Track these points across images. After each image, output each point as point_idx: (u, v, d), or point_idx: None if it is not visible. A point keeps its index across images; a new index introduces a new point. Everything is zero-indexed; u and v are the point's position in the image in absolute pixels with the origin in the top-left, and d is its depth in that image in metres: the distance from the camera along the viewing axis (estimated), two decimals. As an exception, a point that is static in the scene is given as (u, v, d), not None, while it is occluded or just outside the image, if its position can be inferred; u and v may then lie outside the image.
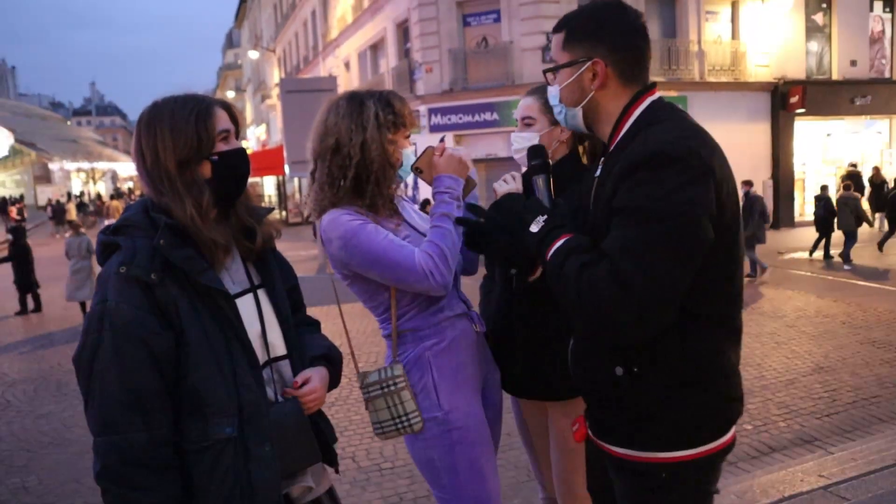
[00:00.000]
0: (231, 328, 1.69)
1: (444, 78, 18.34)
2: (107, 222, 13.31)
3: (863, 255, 13.13)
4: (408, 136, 2.20)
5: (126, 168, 72.44)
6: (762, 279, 11.28)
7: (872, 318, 8.39)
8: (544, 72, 1.81)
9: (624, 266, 1.46)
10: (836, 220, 13.01)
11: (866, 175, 18.27)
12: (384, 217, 2.13)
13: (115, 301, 1.58)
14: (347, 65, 26.09)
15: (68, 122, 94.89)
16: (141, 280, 1.59)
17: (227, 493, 1.63)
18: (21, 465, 5.14)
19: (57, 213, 31.00)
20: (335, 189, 2.08)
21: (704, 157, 1.52)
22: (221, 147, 1.74)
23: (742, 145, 16.93)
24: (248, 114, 49.33)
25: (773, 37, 19.14)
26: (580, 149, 2.40)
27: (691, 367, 1.61)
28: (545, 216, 1.70)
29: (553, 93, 1.79)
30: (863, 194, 15.85)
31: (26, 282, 11.80)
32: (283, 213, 30.27)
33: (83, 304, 10.85)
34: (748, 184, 11.95)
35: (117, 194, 45.39)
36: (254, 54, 42.01)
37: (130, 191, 55.21)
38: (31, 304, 11.89)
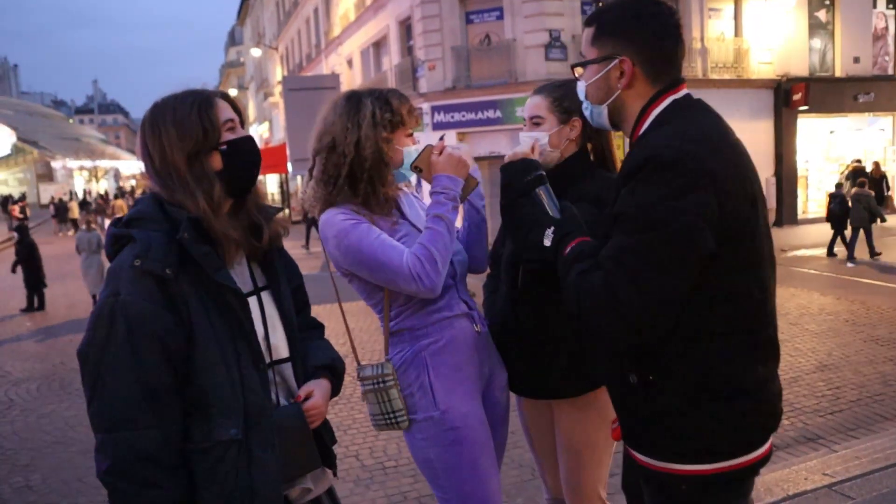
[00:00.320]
0: (240, 328, 1.67)
1: (447, 75, 18.31)
2: (106, 223, 13.40)
3: (865, 252, 13.09)
4: (410, 134, 2.19)
5: (129, 166, 72.45)
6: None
7: (876, 316, 8.37)
8: (572, 66, 1.76)
9: (615, 275, 1.45)
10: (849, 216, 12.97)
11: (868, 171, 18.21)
12: (380, 215, 2.13)
13: (129, 295, 1.55)
14: (350, 62, 26.06)
15: (71, 121, 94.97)
16: (156, 274, 1.56)
17: (227, 496, 1.61)
18: (25, 464, 5.16)
19: (60, 211, 31.04)
20: (331, 187, 2.10)
21: (702, 161, 1.46)
22: (228, 136, 1.72)
23: (745, 143, 16.43)
24: (251, 112, 49.31)
25: (776, 34, 19.08)
26: (588, 146, 2.39)
27: (702, 379, 1.56)
28: (552, 227, 1.70)
29: (580, 88, 1.76)
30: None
31: (35, 278, 11.83)
32: (287, 211, 30.27)
33: (96, 297, 11.15)
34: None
35: (120, 193, 45.43)
36: (256, 52, 41.97)
37: (133, 189, 55.28)
38: (36, 302, 11.92)
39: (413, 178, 2.25)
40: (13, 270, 12.02)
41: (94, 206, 28.84)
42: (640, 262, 1.45)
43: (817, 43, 19.95)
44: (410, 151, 2.14)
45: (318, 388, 1.86)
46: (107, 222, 22.04)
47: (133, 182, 69.30)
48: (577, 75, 1.76)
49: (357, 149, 2.06)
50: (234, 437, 1.62)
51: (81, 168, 55.54)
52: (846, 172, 18.18)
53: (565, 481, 2.42)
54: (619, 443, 1.88)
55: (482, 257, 2.33)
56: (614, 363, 1.69)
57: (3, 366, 8.29)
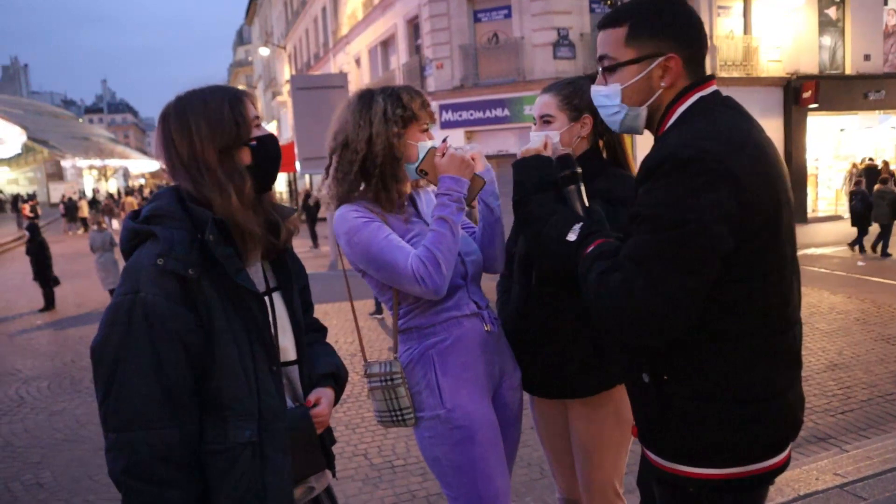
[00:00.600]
0: (256, 330, 1.66)
1: (455, 74, 18.31)
2: (114, 223, 13.52)
3: (876, 250, 13.02)
4: (425, 130, 2.18)
5: (137, 165, 72.74)
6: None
7: (887, 315, 8.31)
8: (604, 70, 1.66)
9: (632, 275, 1.44)
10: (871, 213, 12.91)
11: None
12: (394, 212, 2.14)
13: (151, 294, 1.52)
14: (358, 61, 26.09)
15: (80, 120, 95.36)
16: (178, 274, 1.54)
17: (240, 497, 1.59)
18: (35, 462, 5.18)
19: (69, 210, 31.20)
20: (345, 184, 2.12)
21: (721, 161, 1.43)
22: (256, 132, 1.72)
23: (754, 141, 16.71)
24: (259, 110, 49.31)
25: (786, 31, 18.99)
26: (599, 143, 2.37)
27: (714, 382, 1.54)
28: (580, 223, 1.69)
29: (609, 92, 1.65)
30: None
31: (43, 277, 11.92)
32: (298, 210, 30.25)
33: (112, 292, 11.16)
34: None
35: (129, 192, 45.63)
36: (264, 51, 42.04)
37: (141, 188, 55.49)
38: (43, 301, 11.99)
39: None
40: (47, 269, 12.11)
41: (101, 206, 28.95)
42: (657, 262, 1.43)
43: (827, 40, 19.84)
44: (424, 146, 2.14)
45: (324, 396, 1.88)
46: (115, 222, 22.14)
47: (142, 181, 69.68)
48: (604, 80, 1.68)
49: (368, 145, 2.09)
50: (249, 440, 1.61)
51: (91, 167, 55.78)
52: (851, 171, 18.09)
53: (582, 480, 2.41)
54: (636, 440, 1.88)
55: (498, 257, 2.31)
56: (629, 361, 1.69)
57: (14, 364, 8.34)
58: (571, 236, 1.68)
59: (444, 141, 2.17)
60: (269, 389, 1.66)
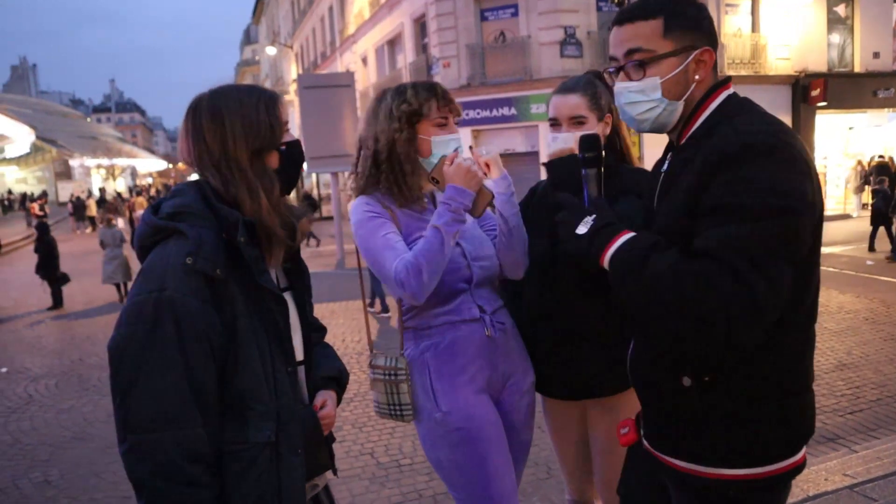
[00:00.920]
0: (275, 331, 1.65)
1: (462, 73, 18.30)
2: (119, 222, 13.69)
3: (886, 248, 12.93)
4: (441, 125, 2.18)
5: (145, 164, 72.96)
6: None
7: (897, 315, 8.26)
8: (638, 63, 1.58)
9: (739, 264, 1.35)
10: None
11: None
12: (406, 206, 2.17)
13: (179, 292, 1.50)
14: (365, 60, 26.11)
15: (88, 119, 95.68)
16: (205, 273, 1.52)
17: (257, 497, 1.58)
18: (44, 459, 5.20)
19: (77, 209, 31.34)
20: (362, 178, 2.22)
21: (798, 150, 1.43)
22: (286, 137, 1.72)
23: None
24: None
25: (794, 29, 18.90)
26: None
27: (763, 378, 1.52)
28: (593, 216, 1.61)
29: (645, 87, 1.59)
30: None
31: (51, 276, 11.97)
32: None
33: (117, 286, 12.19)
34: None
35: (138, 191, 45.80)
36: (271, 50, 42.14)
37: (148, 187, 55.66)
38: (51, 299, 12.05)
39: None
40: (54, 269, 12.21)
41: (107, 205, 29.09)
42: (764, 250, 1.36)
43: (836, 38, 19.74)
44: (439, 141, 2.16)
45: (329, 398, 1.88)
46: (120, 221, 22.19)
47: (149, 179, 69.91)
48: (627, 76, 1.61)
49: (375, 142, 2.17)
50: (268, 440, 1.60)
51: (99, 166, 55.93)
52: (856, 169, 17.98)
53: (601, 482, 2.40)
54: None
55: (515, 263, 2.25)
56: (666, 367, 1.61)
57: (22, 362, 8.38)
58: (582, 228, 1.59)
59: (455, 150, 2.15)
60: (285, 390, 1.66)
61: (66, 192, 46.77)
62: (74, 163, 54.47)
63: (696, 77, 1.58)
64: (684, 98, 1.59)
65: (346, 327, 8.68)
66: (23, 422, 6.12)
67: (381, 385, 2.22)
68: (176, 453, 1.48)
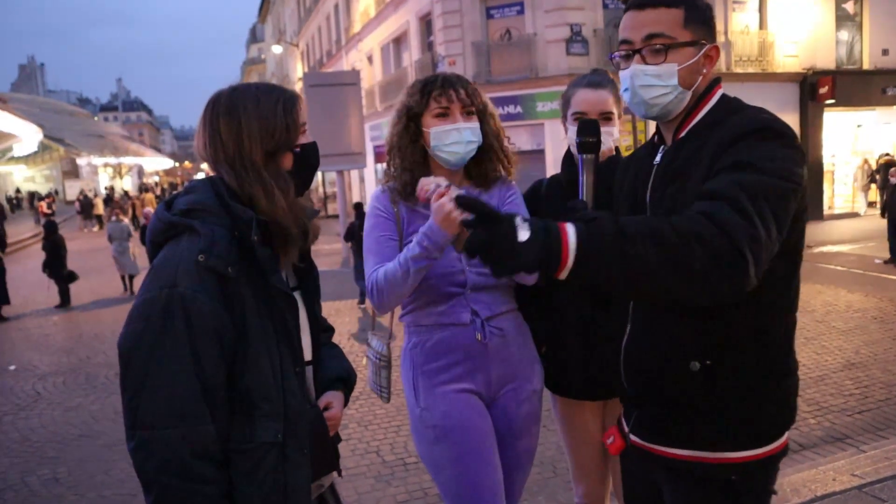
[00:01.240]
0: (285, 331, 1.65)
1: (468, 71, 18.26)
2: (121, 219, 13.95)
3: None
4: (440, 115, 2.19)
5: (152, 163, 73.13)
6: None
7: (905, 313, 8.22)
8: (659, 48, 1.59)
9: (743, 200, 1.34)
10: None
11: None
12: (411, 201, 2.20)
13: (191, 290, 1.49)
14: (370, 58, 26.10)
15: (95, 118, 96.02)
16: (217, 271, 1.52)
17: (264, 496, 1.58)
18: (52, 457, 5.23)
19: (85, 207, 31.47)
20: (388, 173, 2.34)
21: (798, 141, 1.53)
22: (302, 139, 1.70)
23: (770, 137, 16.59)
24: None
25: (802, 26, 18.79)
26: None
27: (769, 359, 1.59)
28: (518, 217, 1.32)
29: (662, 72, 1.60)
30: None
31: (57, 275, 12.02)
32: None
33: (124, 278, 13.22)
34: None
35: (146, 189, 45.93)
36: (277, 49, 42.20)
37: (155, 185, 55.84)
38: (59, 298, 12.10)
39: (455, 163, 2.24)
40: (61, 267, 12.30)
41: (114, 203, 29.17)
42: (765, 196, 1.38)
43: (844, 35, 19.61)
44: (438, 131, 2.19)
45: (336, 399, 1.87)
46: (125, 218, 22.27)
47: (156, 178, 70.11)
48: (647, 58, 1.61)
49: (389, 139, 2.31)
50: (276, 440, 1.59)
51: (106, 165, 56.08)
52: (863, 168, 17.86)
53: (617, 488, 2.38)
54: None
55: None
56: (670, 353, 1.61)
57: (30, 360, 8.42)
58: (523, 234, 1.29)
59: (448, 186, 1.96)
60: (293, 390, 1.65)
61: (73, 190, 46.93)
62: (82, 161, 54.69)
63: (704, 71, 1.64)
64: (692, 89, 1.63)
65: (352, 326, 8.71)
66: (31, 419, 6.15)
67: (371, 364, 2.46)
68: (184, 450, 1.47)
